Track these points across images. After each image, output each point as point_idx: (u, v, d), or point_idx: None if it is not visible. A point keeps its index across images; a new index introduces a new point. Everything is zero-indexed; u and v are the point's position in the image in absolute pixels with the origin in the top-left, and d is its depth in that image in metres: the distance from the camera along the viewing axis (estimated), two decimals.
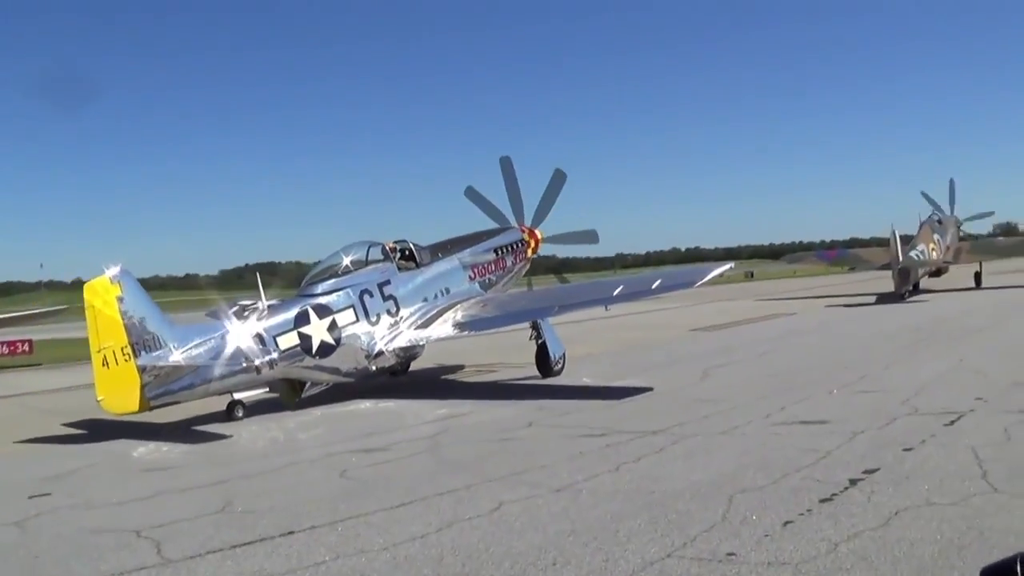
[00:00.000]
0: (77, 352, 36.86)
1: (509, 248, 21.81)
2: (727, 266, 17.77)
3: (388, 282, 18.38)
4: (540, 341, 19.36)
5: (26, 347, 34.92)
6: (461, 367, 22.55)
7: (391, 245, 19.15)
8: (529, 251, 22.47)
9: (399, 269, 18.82)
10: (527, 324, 19.35)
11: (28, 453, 14.19)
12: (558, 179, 22.60)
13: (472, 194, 23.10)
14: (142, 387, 14.49)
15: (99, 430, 15.63)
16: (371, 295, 17.92)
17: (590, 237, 23.06)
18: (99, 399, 14.38)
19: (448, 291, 19.51)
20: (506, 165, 22.45)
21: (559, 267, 24.81)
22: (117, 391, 14.41)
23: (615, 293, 17.35)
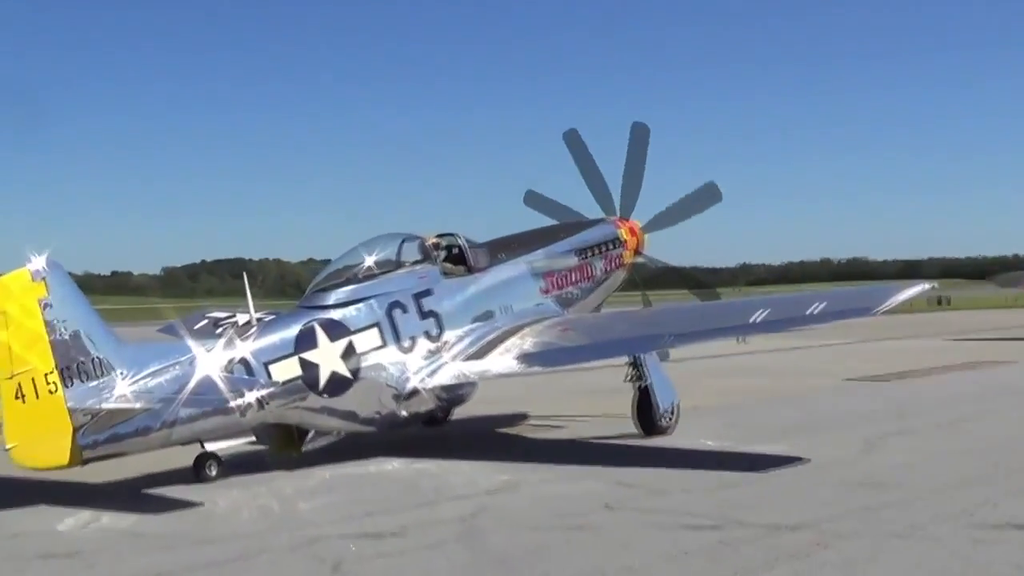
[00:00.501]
0: None
1: (599, 249, 21.86)
2: (923, 286, 17.36)
3: (428, 292, 18.37)
4: (643, 384, 19.30)
5: None
6: (523, 417, 22.72)
7: (433, 240, 19.14)
8: (627, 254, 22.51)
9: (444, 274, 18.80)
10: (624, 359, 19.30)
11: None
12: (640, 136, 22.75)
13: (535, 201, 23.58)
14: (75, 431, 14.18)
15: (3, 492, 15.42)
16: (404, 310, 17.92)
17: (708, 195, 22.80)
18: (8, 447, 13.96)
19: (511, 308, 19.50)
20: (573, 140, 22.86)
21: (653, 281, 24.90)
22: (37, 436, 14.06)
23: (755, 319, 16.92)
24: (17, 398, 13.97)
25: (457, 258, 19.38)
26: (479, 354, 18.31)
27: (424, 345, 18.03)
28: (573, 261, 21.23)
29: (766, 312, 16.96)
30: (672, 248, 25.35)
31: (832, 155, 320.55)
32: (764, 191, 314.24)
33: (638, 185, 22.66)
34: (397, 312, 17.85)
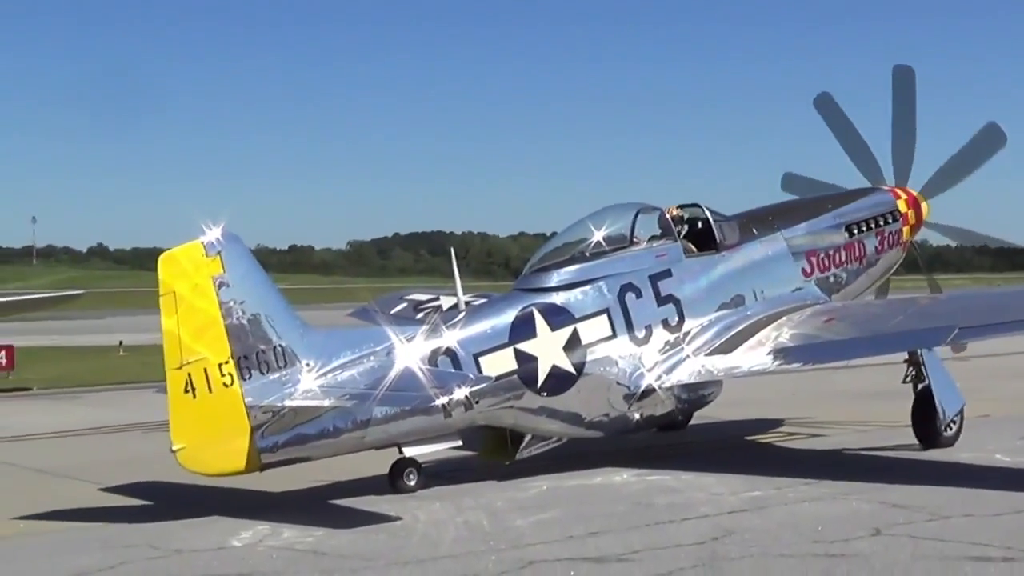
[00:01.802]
0: (90, 369, 38.93)
1: (872, 224, 21.38)
2: None
3: (668, 273, 18.18)
4: (922, 386, 18.66)
5: (2, 359, 33.67)
6: (776, 423, 22.45)
7: (675, 212, 19.09)
8: (906, 230, 22.03)
9: (686, 253, 18.56)
10: (900, 356, 18.86)
11: (40, 536, 14.31)
12: (904, 80, 22.50)
13: (794, 185, 23.64)
14: (253, 431, 14.24)
15: (169, 502, 15.76)
16: (639, 294, 17.76)
17: (991, 139, 22.37)
18: (175, 448, 14.02)
19: (765, 293, 19.25)
20: (826, 104, 23.08)
21: (935, 260, 24.75)
22: (209, 437, 14.13)
23: None
24: (187, 392, 14.01)
25: (702, 233, 19.13)
26: (727, 347, 18.11)
27: (661, 336, 17.88)
28: (841, 238, 20.91)
29: None
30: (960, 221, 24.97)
31: None
32: None
33: (912, 143, 22.37)
34: (630, 296, 17.71)
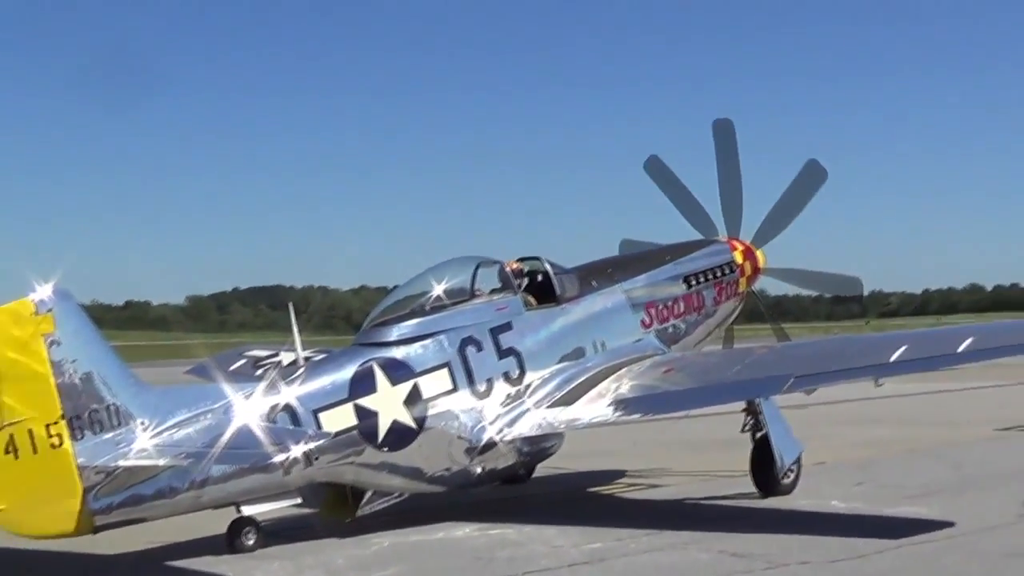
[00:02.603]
0: None
1: (711, 275, 21.74)
2: None
3: (508, 326, 18.22)
4: (760, 434, 19.01)
5: None
6: (618, 474, 22.45)
7: (515, 265, 19.12)
8: (742, 281, 22.44)
9: (526, 305, 18.65)
10: (739, 405, 19.17)
11: None
12: (724, 134, 23.07)
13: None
14: (85, 492, 13.83)
15: None
16: (479, 347, 17.79)
17: (812, 176, 23.09)
18: None
19: (606, 345, 19.32)
20: (655, 168, 23.60)
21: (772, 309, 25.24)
22: (35, 498, 13.68)
23: (894, 357, 16.63)
24: (7, 453, 13.58)
25: (542, 286, 19.20)
26: (568, 399, 18.11)
27: (503, 389, 17.87)
28: (680, 290, 21.17)
29: (906, 349, 16.73)
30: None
31: (984, 157, 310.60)
32: (897, 204, 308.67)
33: (738, 193, 22.85)
34: (471, 350, 17.71)
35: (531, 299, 18.87)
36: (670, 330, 20.77)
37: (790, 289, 26.52)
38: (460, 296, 18.21)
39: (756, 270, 22.84)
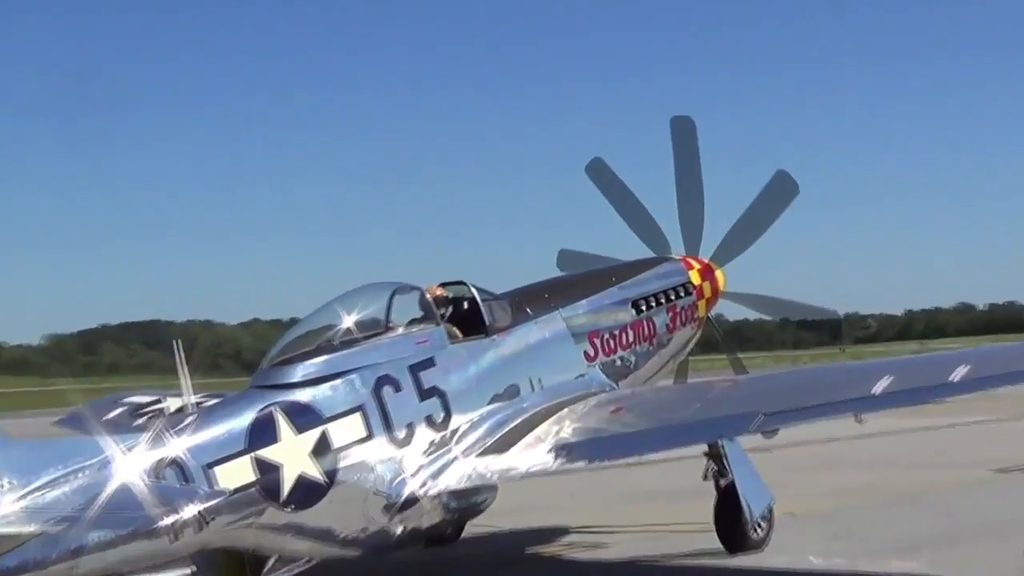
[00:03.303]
0: None
1: (663, 299, 21.99)
2: None
3: (430, 362, 18.18)
4: (725, 482, 19.16)
5: None
6: (561, 531, 22.65)
7: (437, 292, 19.26)
8: (700, 304, 22.74)
9: (450, 338, 18.60)
10: (699, 449, 19.33)
11: None
12: (684, 133, 23.49)
13: (571, 262, 24.47)
14: None
15: None
16: (397, 387, 17.68)
17: (782, 189, 23.68)
18: None
19: (544, 382, 19.48)
20: (598, 171, 24.12)
21: (731, 337, 25.77)
22: None
23: (877, 390, 16.62)
24: None
25: (469, 315, 19.25)
26: (501, 446, 18.16)
27: (426, 435, 17.80)
28: (628, 316, 21.34)
29: (891, 380, 16.74)
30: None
31: (974, 158, 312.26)
32: (873, 212, 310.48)
33: (699, 204, 23.13)
34: (388, 390, 17.59)
35: (456, 330, 18.88)
36: (618, 363, 20.95)
37: (750, 312, 26.63)
38: (374, 328, 18.16)
39: (716, 293, 23.10)
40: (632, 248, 23.25)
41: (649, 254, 23.06)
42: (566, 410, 18.85)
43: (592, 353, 20.56)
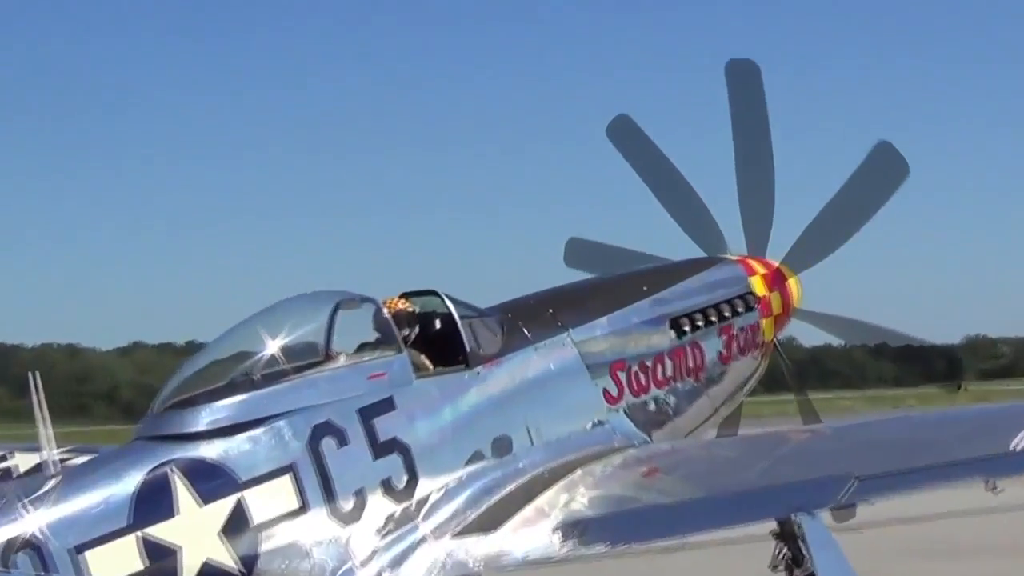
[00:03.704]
0: None
1: (715, 316, 22.28)
2: None
3: (389, 404, 18.20)
4: (803, 574, 18.54)
5: None
6: None
7: (399, 305, 19.29)
8: (765, 324, 23.07)
9: (417, 370, 18.60)
10: (765, 526, 18.84)
11: None
12: (747, 82, 23.85)
13: (583, 255, 24.83)
14: None
15: None
16: (341, 439, 17.74)
17: (886, 165, 23.83)
18: None
19: (545, 432, 19.61)
20: (625, 132, 24.28)
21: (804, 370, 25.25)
22: None
23: (1021, 444, 16.79)
24: None
25: (442, 338, 19.31)
26: (488, 523, 18.25)
27: (382, 506, 17.84)
28: (665, 340, 21.52)
29: None
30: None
31: None
32: (1007, 210, 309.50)
33: (767, 184, 23.24)
34: (328, 444, 17.60)
35: (425, 359, 18.85)
36: (651, 406, 21.09)
37: (833, 338, 26.90)
38: (309, 357, 18.14)
39: (788, 309, 23.14)
40: (673, 245, 23.15)
41: (697, 253, 23.04)
42: (578, 472, 18.96)
43: (615, 392, 20.64)
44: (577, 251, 24.67)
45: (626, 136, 24.08)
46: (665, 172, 23.69)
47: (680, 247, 23.20)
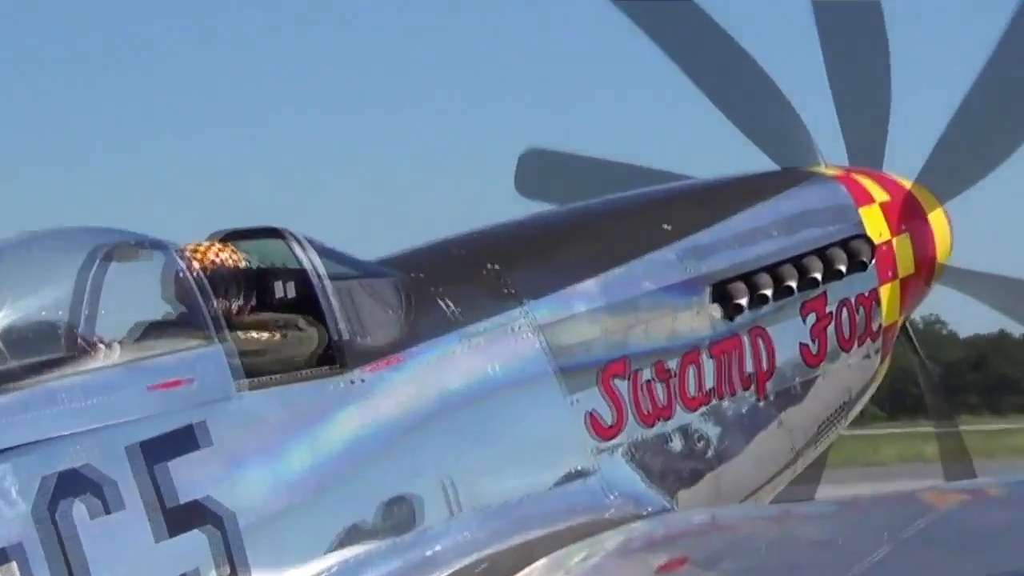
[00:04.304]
0: None
1: (797, 278, 17.20)
2: None
3: (187, 437, 13.67)
4: None
5: None
6: None
7: (214, 255, 14.41)
8: (889, 294, 18.25)
9: (245, 375, 13.90)
10: None
11: None
12: None
13: (549, 172, 21.45)
14: None
15: None
16: (103, 501, 13.45)
17: None
18: None
19: (480, 491, 15.31)
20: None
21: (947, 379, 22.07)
22: None
23: None
24: None
25: (293, 315, 14.43)
26: None
27: None
28: (703, 323, 16.65)
29: None
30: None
31: None
32: None
33: (885, 60, 19.22)
34: (79, 510, 13.15)
35: (262, 354, 14.08)
36: (676, 443, 16.35)
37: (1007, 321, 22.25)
38: (46, 349, 13.23)
39: (928, 265, 18.61)
40: (725, 157, 19.63)
41: (765, 164, 18.41)
42: (542, 563, 14.28)
43: (610, 418, 15.63)
44: (537, 168, 20.00)
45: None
46: (717, 45, 18.42)
47: (732, 158, 18.83)
